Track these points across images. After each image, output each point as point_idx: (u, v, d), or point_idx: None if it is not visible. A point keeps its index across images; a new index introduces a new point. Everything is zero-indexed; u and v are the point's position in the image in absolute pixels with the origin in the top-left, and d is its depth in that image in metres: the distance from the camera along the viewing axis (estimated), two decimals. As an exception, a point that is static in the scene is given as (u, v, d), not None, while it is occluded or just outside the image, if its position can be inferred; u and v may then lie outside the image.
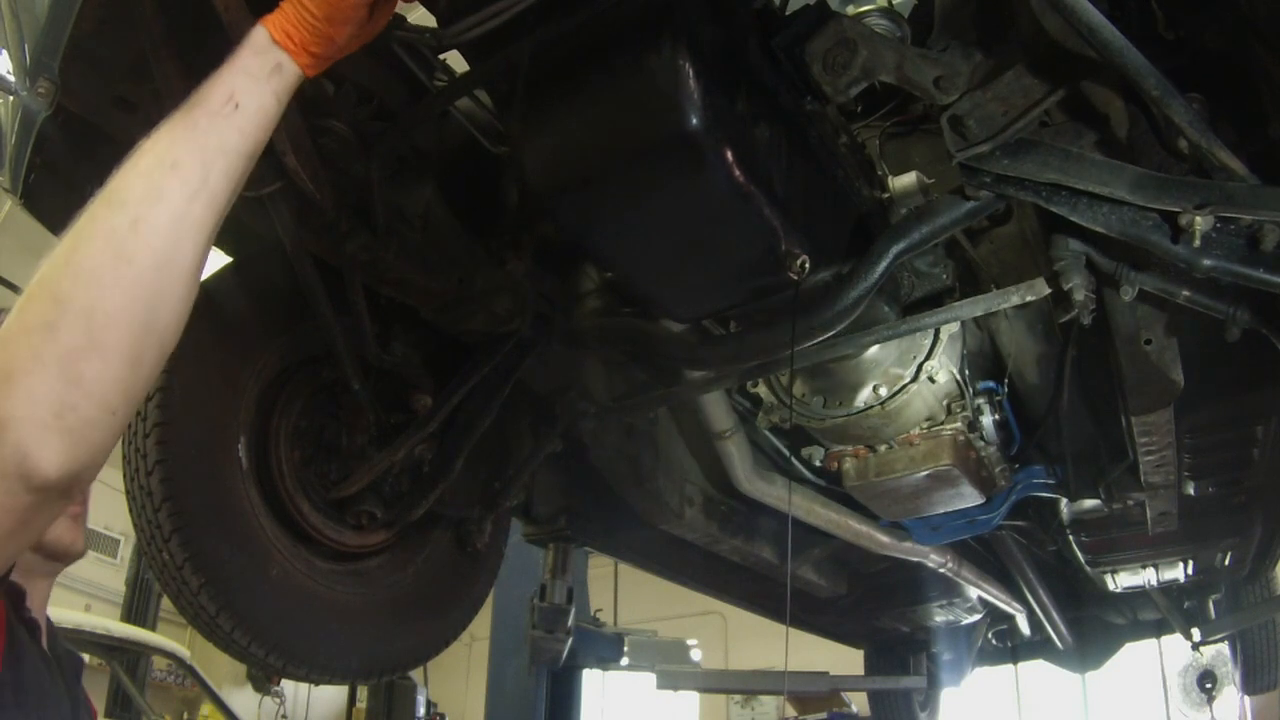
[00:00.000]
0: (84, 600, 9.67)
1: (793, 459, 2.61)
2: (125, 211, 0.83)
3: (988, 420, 2.37)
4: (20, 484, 0.75)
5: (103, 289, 0.80)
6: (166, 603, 3.14)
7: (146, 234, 0.83)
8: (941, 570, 3.31)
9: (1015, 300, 1.91)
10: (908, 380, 2.18)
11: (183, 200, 0.86)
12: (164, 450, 1.69)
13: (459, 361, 2.05)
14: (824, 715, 8.05)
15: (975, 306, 1.96)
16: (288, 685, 10.25)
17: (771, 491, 2.58)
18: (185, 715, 9.16)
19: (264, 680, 10.11)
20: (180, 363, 1.74)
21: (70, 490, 0.79)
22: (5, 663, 0.98)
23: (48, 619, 1.20)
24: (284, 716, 10.36)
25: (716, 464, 2.55)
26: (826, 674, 5.03)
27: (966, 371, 2.28)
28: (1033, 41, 1.41)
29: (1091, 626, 4.82)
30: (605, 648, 5.59)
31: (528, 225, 1.99)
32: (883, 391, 2.20)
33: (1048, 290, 1.84)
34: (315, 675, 1.96)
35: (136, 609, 7.95)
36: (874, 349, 2.18)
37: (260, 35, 1.00)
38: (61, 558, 1.24)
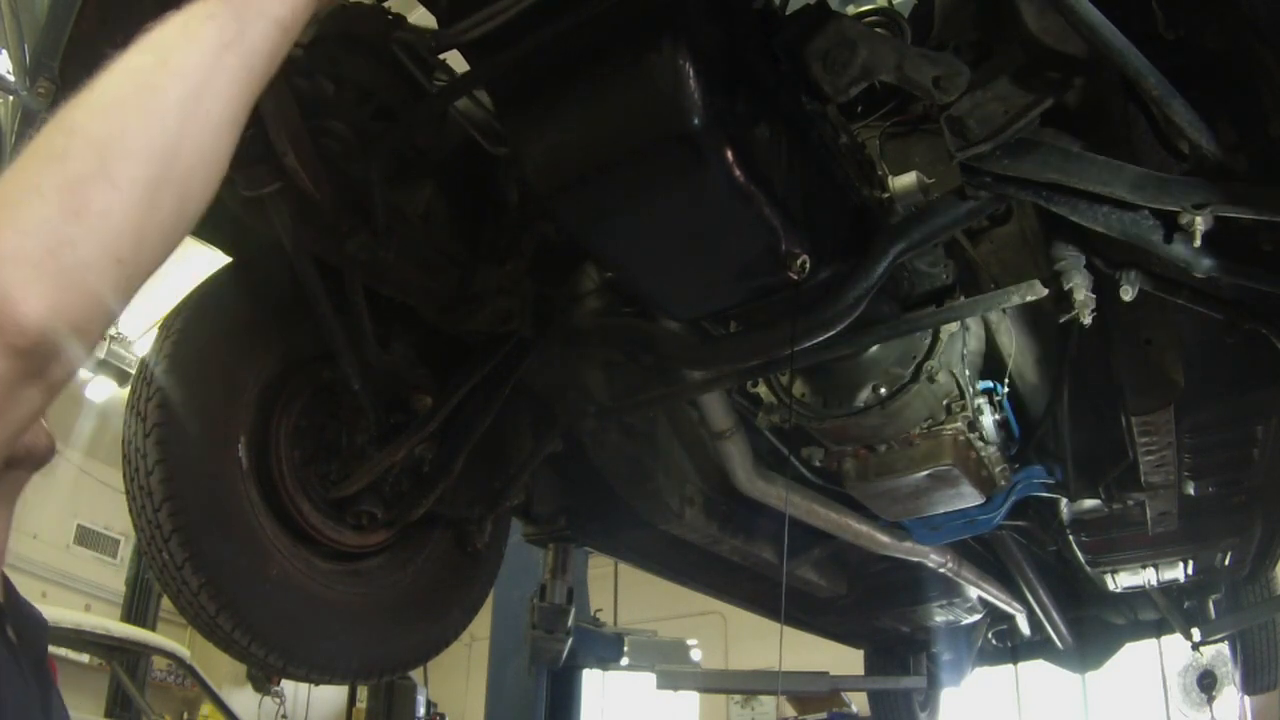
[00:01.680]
0: (84, 600, 9.69)
1: (793, 459, 2.61)
2: (154, 52, 0.75)
3: (988, 420, 2.37)
4: None
5: (123, 117, 0.71)
6: (166, 603, 3.14)
7: (175, 68, 0.75)
8: (941, 570, 3.30)
9: (1015, 300, 1.91)
10: (907, 380, 2.18)
11: (217, 45, 0.77)
12: (164, 450, 1.69)
13: (459, 361, 2.05)
14: (824, 715, 8.05)
15: (975, 306, 1.96)
16: (288, 685, 10.24)
17: (772, 491, 2.57)
18: (185, 715, 9.16)
19: (264, 680, 10.12)
20: (180, 363, 1.74)
21: (57, 357, 0.66)
22: None
23: (5, 579, 0.87)
24: (284, 716, 10.36)
25: (716, 464, 2.55)
26: (826, 674, 5.02)
27: (966, 371, 2.28)
28: (1033, 41, 1.41)
29: (1091, 626, 4.81)
30: (605, 648, 5.58)
31: (528, 225, 1.99)
32: (883, 391, 2.20)
33: (1047, 290, 1.84)
34: (315, 675, 1.96)
35: (136, 609, 7.97)
36: (874, 349, 2.18)
37: None
38: (24, 463, 0.86)
